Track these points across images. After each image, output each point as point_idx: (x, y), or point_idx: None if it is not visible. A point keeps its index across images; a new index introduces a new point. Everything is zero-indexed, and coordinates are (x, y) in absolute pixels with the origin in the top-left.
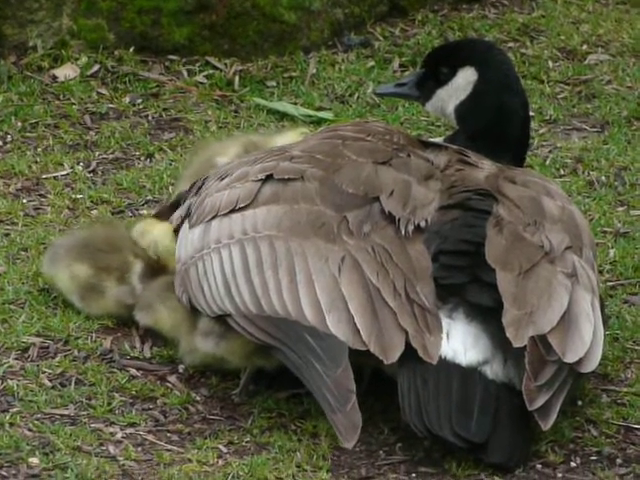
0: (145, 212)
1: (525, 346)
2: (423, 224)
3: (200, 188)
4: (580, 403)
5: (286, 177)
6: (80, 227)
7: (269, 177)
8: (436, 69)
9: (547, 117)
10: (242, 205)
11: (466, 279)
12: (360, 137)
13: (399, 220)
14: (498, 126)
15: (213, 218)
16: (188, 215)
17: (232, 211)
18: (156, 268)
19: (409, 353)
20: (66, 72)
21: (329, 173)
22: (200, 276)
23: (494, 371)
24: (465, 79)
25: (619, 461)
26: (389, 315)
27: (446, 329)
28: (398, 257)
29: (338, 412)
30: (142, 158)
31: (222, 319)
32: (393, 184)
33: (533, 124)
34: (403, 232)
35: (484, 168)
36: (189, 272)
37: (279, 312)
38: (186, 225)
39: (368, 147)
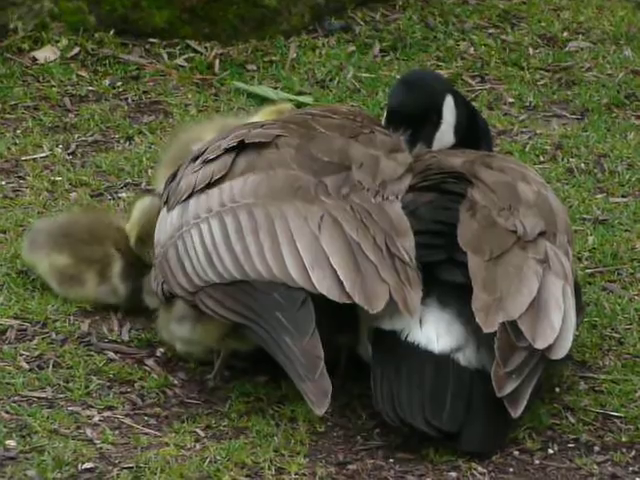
0: (124, 195)
1: (495, 332)
2: (392, 198)
3: (175, 174)
4: (558, 390)
5: (257, 141)
6: (61, 212)
7: (242, 147)
8: (423, 121)
9: (527, 104)
10: (217, 177)
11: (441, 257)
12: (327, 115)
13: (368, 190)
14: (471, 124)
15: (190, 196)
16: (166, 202)
17: (208, 186)
18: (138, 265)
19: (382, 339)
20: (46, 54)
21: (303, 141)
22: (181, 254)
23: (467, 358)
24: (449, 109)
25: (597, 448)
26: (371, 268)
27: (419, 315)
28: (377, 215)
29: (307, 380)
30: (121, 141)
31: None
32: (362, 157)
33: (512, 110)
34: (373, 200)
35: (460, 155)
36: (168, 253)
37: (263, 275)
38: (164, 209)
39: (336, 123)
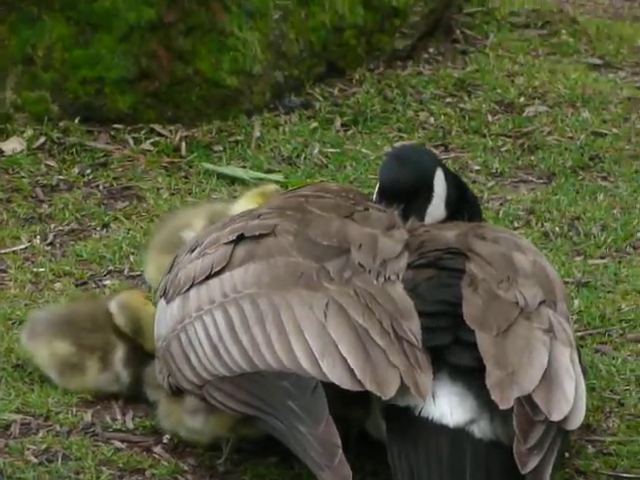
0: (108, 282)
1: (512, 407)
2: (394, 278)
3: (172, 265)
4: (567, 455)
5: (257, 233)
6: (48, 302)
7: (240, 237)
8: (415, 196)
9: (493, 170)
10: (218, 269)
11: (447, 340)
12: (320, 195)
13: (370, 272)
14: (460, 196)
15: (190, 288)
16: (164, 294)
17: (208, 277)
18: (141, 351)
19: (396, 415)
20: (13, 146)
21: (301, 227)
22: (184, 346)
23: (482, 430)
24: (440, 182)
25: None
26: (380, 353)
27: (431, 390)
28: (381, 298)
29: (326, 469)
30: (98, 228)
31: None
32: (359, 237)
33: (480, 178)
34: (375, 283)
35: (452, 228)
36: (171, 346)
37: (273, 366)
38: (162, 302)
39: (330, 203)
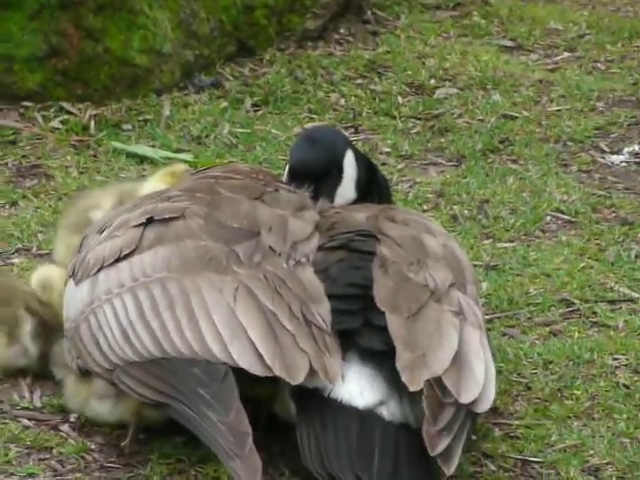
0: (17, 260)
1: (421, 390)
2: (304, 260)
3: (81, 246)
4: (474, 438)
5: (167, 216)
6: None
7: (150, 220)
8: (325, 177)
9: (403, 152)
10: (127, 252)
11: (358, 324)
12: (229, 176)
13: (280, 255)
14: (371, 178)
15: (99, 270)
16: (73, 275)
17: (118, 260)
18: (50, 325)
19: (305, 396)
20: None
21: (211, 209)
22: (94, 330)
23: (391, 412)
24: (350, 163)
25: None
26: (289, 338)
27: (341, 373)
28: (291, 282)
29: (236, 458)
30: (7, 206)
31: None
32: (269, 219)
33: (390, 160)
34: (285, 266)
35: (363, 210)
36: (80, 329)
37: (183, 352)
38: (71, 283)
39: (239, 184)
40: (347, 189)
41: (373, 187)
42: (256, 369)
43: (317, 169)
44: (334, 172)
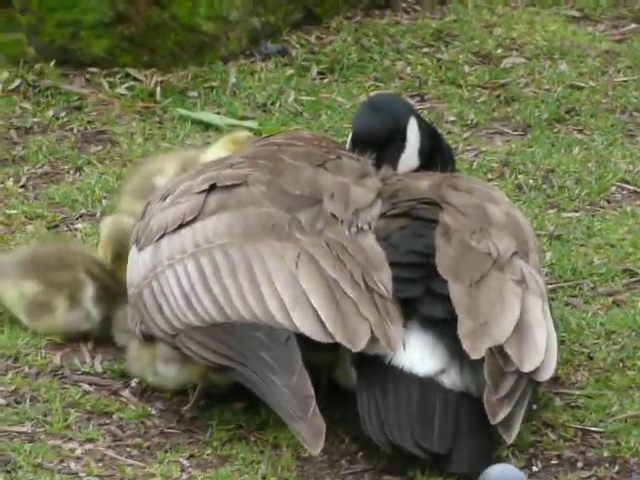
0: (80, 226)
1: (483, 358)
2: (366, 227)
3: (144, 213)
4: (535, 407)
5: (230, 183)
6: (19, 245)
7: (213, 187)
8: (388, 145)
9: (468, 122)
10: (190, 219)
11: (419, 292)
12: (292, 143)
13: (342, 222)
14: (434, 146)
15: (162, 237)
16: (136, 241)
17: (181, 226)
18: (112, 289)
19: (366, 363)
20: None
21: (273, 176)
22: (157, 295)
23: (452, 380)
24: (413, 131)
25: (580, 464)
26: (350, 305)
27: (402, 341)
28: (353, 249)
29: (300, 420)
30: (71, 172)
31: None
32: (332, 187)
33: (455, 129)
34: (347, 234)
35: (425, 178)
36: (143, 294)
37: (245, 317)
38: (134, 249)
39: (302, 151)
40: (410, 157)
41: (436, 155)
42: (318, 335)
43: (380, 136)
44: (397, 139)
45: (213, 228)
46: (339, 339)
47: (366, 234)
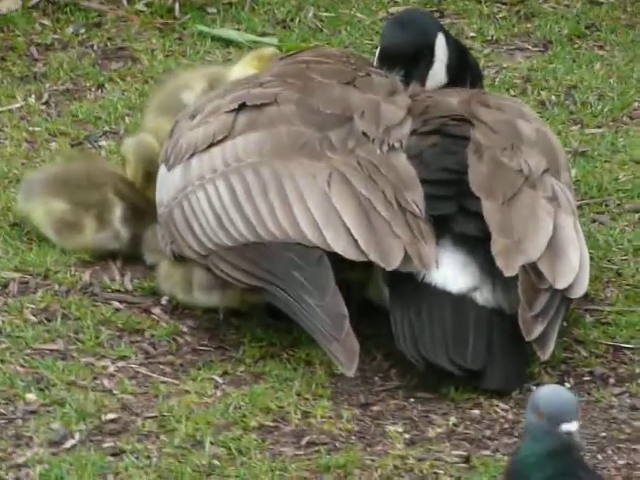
0: (104, 143)
1: (516, 275)
2: (397, 145)
3: (173, 132)
4: (565, 324)
5: (259, 102)
6: (44, 162)
7: (242, 106)
8: (416, 60)
9: (489, 37)
10: (220, 138)
11: (452, 209)
12: (320, 60)
13: (374, 140)
14: (462, 62)
15: (192, 156)
16: (165, 160)
17: (210, 145)
18: (140, 208)
19: (399, 281)
20: (8, 4)
21: (303, 94)
22: (187, 215)
23: (484, 297)
24: (441, 47)
25: (612, 381)
26: (383, 224)
27: (435, 259)
28: (384, 168)
29: (334, 341)
30: (93, 89)
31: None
32: (362, 104)
33: (476, 45)
34: (378, 152)
35: (454, 94)
36: (173, 214)
37: (277, 236)
38: (163, 168)
39: (331, 69)
40: (438, 72)
41: (464, 71)
42: (351, 254)
43: (408, 52)
44: (425, 55)
45: (243, 147)
46: (372, 257)
47: (397, 152)
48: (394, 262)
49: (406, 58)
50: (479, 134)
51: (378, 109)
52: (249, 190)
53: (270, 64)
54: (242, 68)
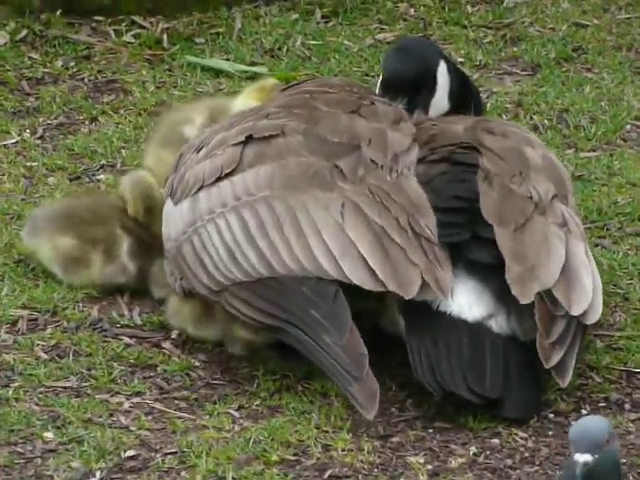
0: (102, 177)
1: (532, 302)
2: (406, 171)
3: (177, 165)
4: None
5: (266, 134)
6: (43, 197)
7: (249, 138)
8: (419, 88)
9: (477, 62)
10: (228, 171)
11: (465, 237)
12: (324, 90)
13: (382, 167)
14: (463, 89)
15: (199, 190)
16: (171, 194)
17: (219, 179)
18: (146, 242)
19: (414, 310)
20: None
21: (310, 125)
22: (198, 250)
23: (499, 325)
24: (443, 74)
25: (627, 406)
26: (399, 252)
27: (451, 283)
28: (396, 194)
29: (354, 383)
30: (87, 122)
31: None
32: (368, 132)
33: (464, 70)
34: (389, 179)
35: (458, 122)
36: (182, 249)
37: (293, 269)
38: (169, 202)
39: (335, 98)
40: (441, 100)
41: (466, 98)
42: (369, 285)
43: (411, 80)
44: (428, 83)
45: (253, 180)
46: (391, 287)
47: (408, 178)
48: (412, 291)
49: (409, 86)
50: (487, 162)
51: (385, 137)
52: (262, 224)
53: (272, 95)
54: (244, 100)
